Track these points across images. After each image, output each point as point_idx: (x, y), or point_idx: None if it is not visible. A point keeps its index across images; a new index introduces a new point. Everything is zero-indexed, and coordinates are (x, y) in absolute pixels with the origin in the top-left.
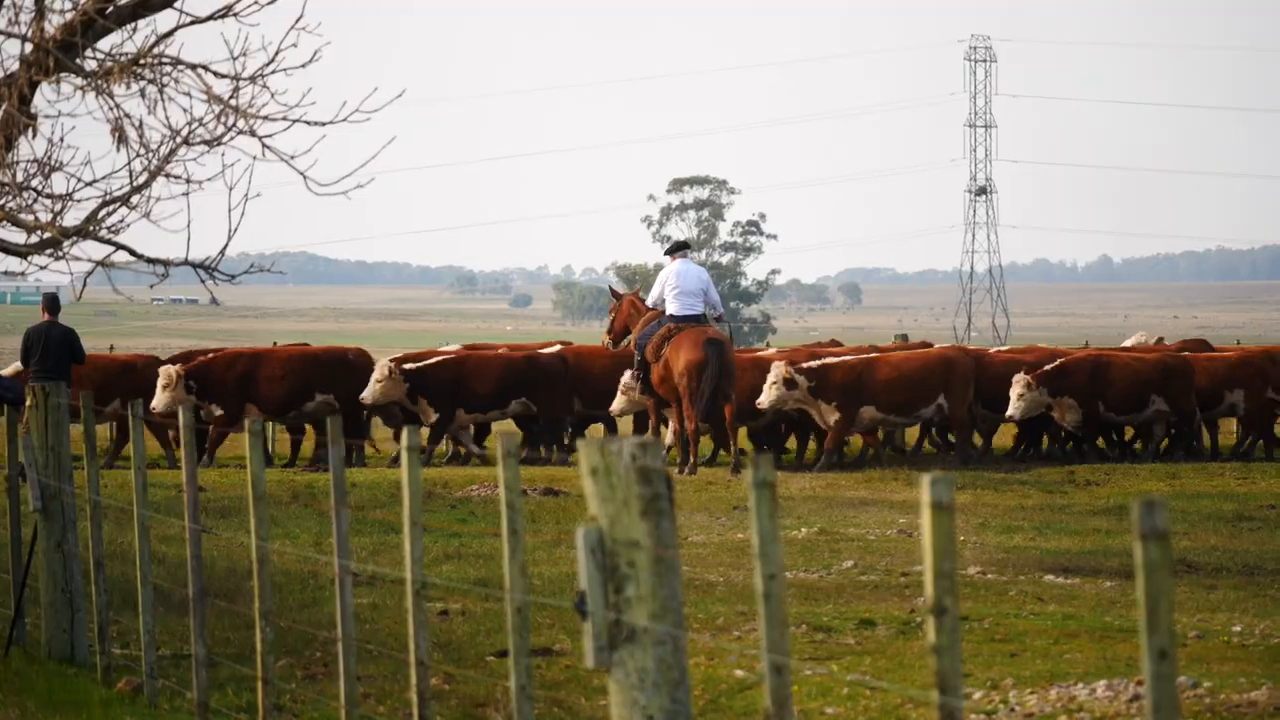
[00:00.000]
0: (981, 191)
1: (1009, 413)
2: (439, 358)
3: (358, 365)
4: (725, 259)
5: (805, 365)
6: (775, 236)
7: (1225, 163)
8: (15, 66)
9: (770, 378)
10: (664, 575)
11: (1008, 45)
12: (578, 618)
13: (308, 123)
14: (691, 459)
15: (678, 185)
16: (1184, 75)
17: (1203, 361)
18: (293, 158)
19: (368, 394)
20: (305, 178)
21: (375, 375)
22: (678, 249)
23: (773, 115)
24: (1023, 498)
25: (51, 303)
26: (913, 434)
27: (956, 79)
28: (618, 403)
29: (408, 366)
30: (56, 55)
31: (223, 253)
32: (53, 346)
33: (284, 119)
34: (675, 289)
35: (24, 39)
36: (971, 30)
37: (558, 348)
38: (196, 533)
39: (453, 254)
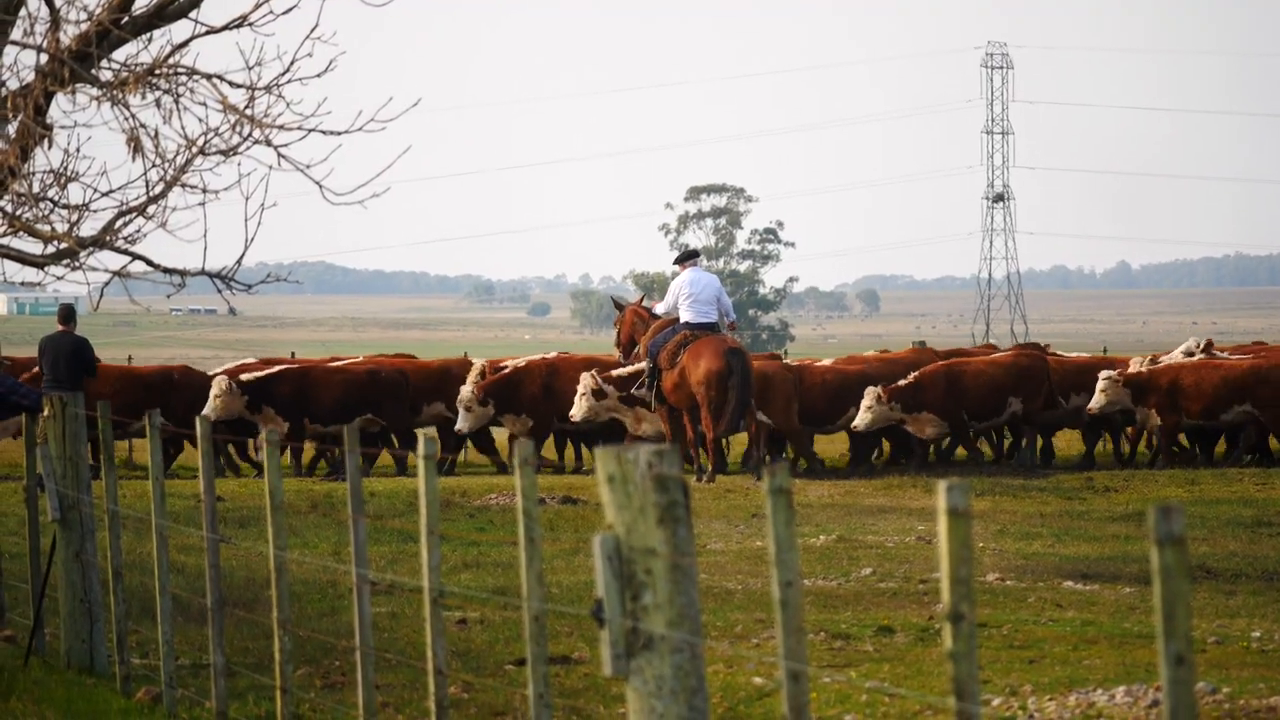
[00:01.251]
0: (999, 198)
1: (855, 424)
2: (279, 369)
3: (182, 384)
4: (743, 267)
5: (616, 373)
6: (793, 244)
7: (1243, 168)
8: (31, 77)
9: (580, 389)
10: (681, 582)
11: (1025, 51)
12: (596, 626)
13: (323, 132)
14: (710, 467)
15: (695, 193)
16: (1202, 81)
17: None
18: (308, 167)
19: (209, 410)
20: (321, 187)
21: (214, 391)
22: (689, 257)
23: (790, 122)
24: (1041, 504)
25: (65, 313)
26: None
27: (974, 85)
28: (461, 420)
29: (245, 378)
30: (72, 66)
31: (239, 262)
32: (63, 356)
33: (299, 128)
34: (690, 297)
35: (39, 50)
36: (988, 36)
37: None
38: (215, 542)
39: (471, 263)
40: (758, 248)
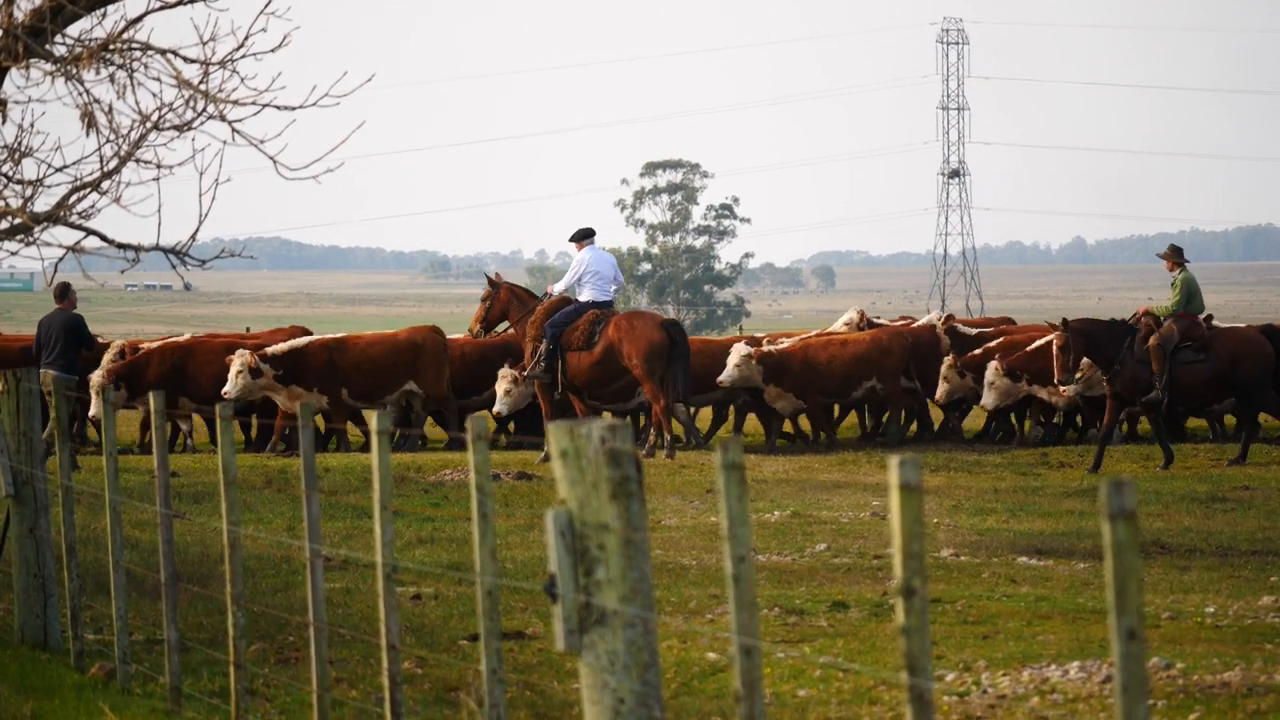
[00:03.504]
0: (954, 174)
1: (496, 408)
2: None
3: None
4: (699, 242)
5: (271, 351)
6: (749, 220)
7: (1198, 144)
8: None
9: (235, 367)
10: (634, 558)
11: (980, 27)
12: (549, 601)
13: (277, 107)
14: (667, 437)
15: (651, 169)
16: (1157, 57)
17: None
18: (263, 142)
19: None
20: (275, 162)
21: None
22: (586, 235)
23: (745, 98)
24: (996, 480)
25: (61, 290)
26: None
27: (929, 61)
28: (94, 406)
29: None
30: (26, 41)
31: (193, 238)
32: (55, 333)
33: (254, 104)
34: (595, 274)
35: None
36: (944, 12)
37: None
38: (168, 518)
39: (426, 239)
40: (713, 223)
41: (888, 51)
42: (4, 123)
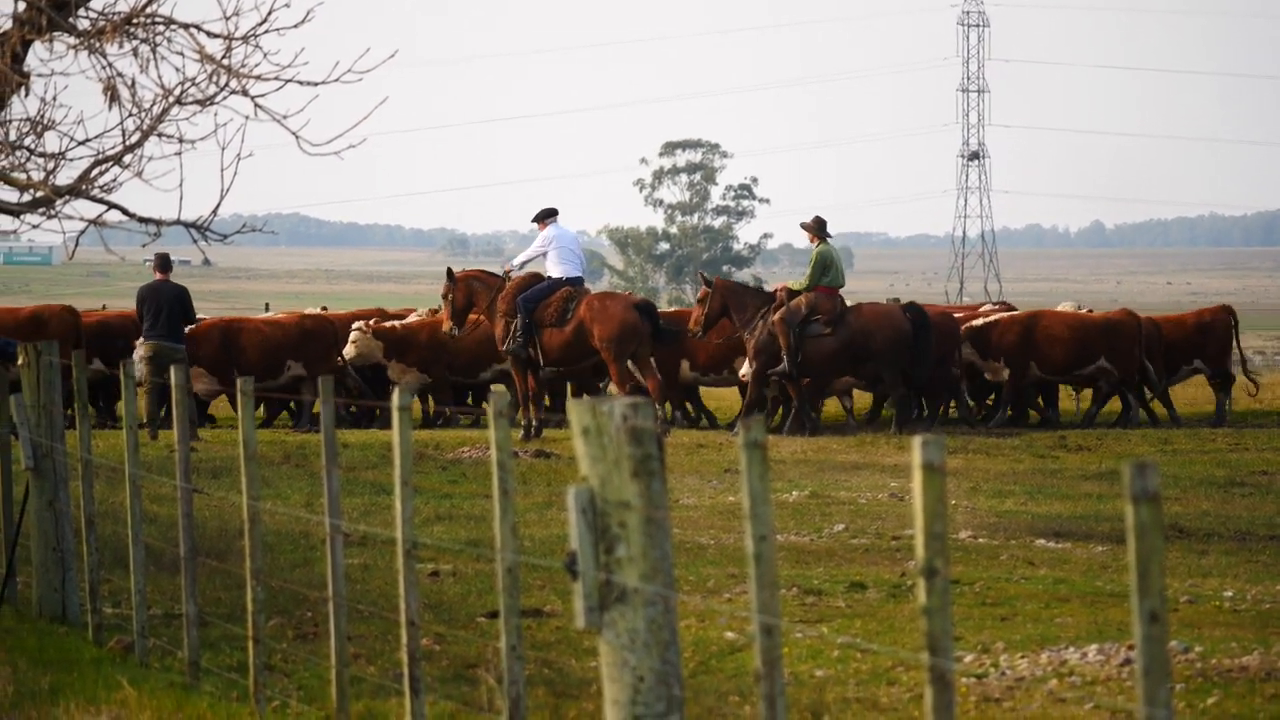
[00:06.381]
0: (974, 156)
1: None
2: None
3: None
4: (718, 223)
5: None
6: (768, 200)
7: (1218, 128)
8: (8, 25)
9: None
10: (655, 536)
11: (1001, 10)
12: (568, 579)
13: (300, 83)
14: (661, 416)
15: (670, 148)
16: (1177, 40)
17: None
18: (285, 118)
19: None
20: (298, 138)
21: None
22: (549, 214)
23: (766, 79)
24: (1014, 462)
25: (163, 261)
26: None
27: (950, 44)
28: None
29: None
30: (49, 14)
31: (215, 212)
32: (164, 305)
33: (276, 79)
34: (563, 249)
35: None
36: None
37: None
38: (188, 492)
39: (445, 216)
40: (732, 204)
41: (908, 33)
42: (27, 96)
